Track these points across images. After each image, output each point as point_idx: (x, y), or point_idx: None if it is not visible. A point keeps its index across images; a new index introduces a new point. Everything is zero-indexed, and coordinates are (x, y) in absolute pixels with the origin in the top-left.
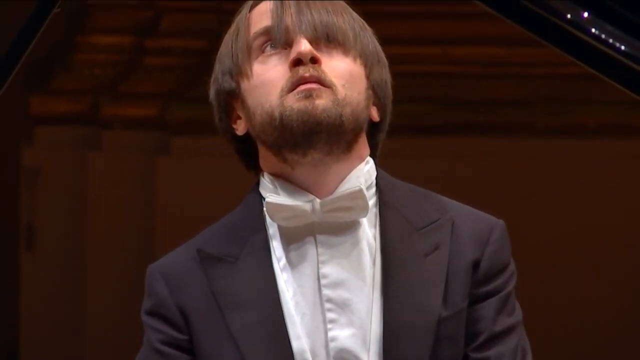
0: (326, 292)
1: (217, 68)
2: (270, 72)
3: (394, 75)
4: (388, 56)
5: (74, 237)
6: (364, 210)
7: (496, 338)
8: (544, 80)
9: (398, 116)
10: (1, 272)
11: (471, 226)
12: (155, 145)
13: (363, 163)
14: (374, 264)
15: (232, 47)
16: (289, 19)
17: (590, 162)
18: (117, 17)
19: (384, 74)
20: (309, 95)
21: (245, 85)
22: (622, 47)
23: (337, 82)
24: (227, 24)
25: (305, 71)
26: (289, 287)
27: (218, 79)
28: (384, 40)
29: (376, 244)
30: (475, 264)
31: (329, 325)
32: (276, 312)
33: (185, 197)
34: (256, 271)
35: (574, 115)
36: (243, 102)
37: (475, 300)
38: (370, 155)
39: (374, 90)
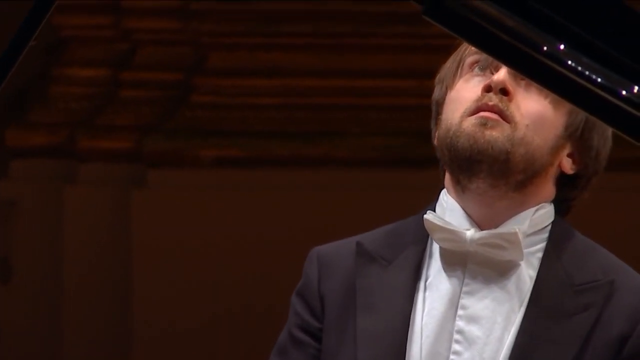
0: (459, 323)
1: (437, 77)
2: (466, 91)
3: (369, 107)
4: (364, 89)
5: (50, 270)
6: (518, 254)
7: None
8: None
9: (374, 149)
10: None
11: (632, 295)
12: (131, 178)
13: (535, 208)
14: (519, 308)
15: (452, 61)
16: None
17: None
18: (92, 49)
19: (596, 139)
20: (484, 124)
21: (447, 97)
22: (599, 79)
23: (521, 120)
24: (203, 57)
25: (490, 99)
26: (426, 306)
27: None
28: (359, 73)
29: (528, 290)
30: (623, 340)
31: (452, 357)
32: (402, 326)
33: (162, 230)
34: (401, 281)
35: None
36: (441, 113)
37: None
38: (558, 207)
39: (574, 143)
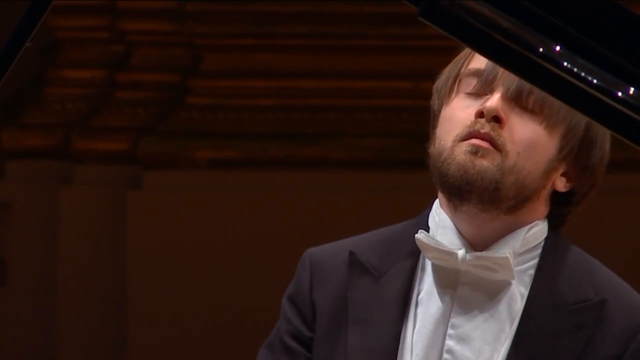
0: (449, 342)
1: (435, 85)
2: (461, 112)
3: (364, 109)
4: (359, 90)
5: (46, 271)
6: (509, 275)
7: None
8: None
9: (369, 150)
10: None
11: (623, 315)
12: (126, 179)
13: (527, 227)
14: (509, 328)
15: (450, 71)
16: (502, 70)
17: None
18: (88, 51)
19: (594, 156)
20: (475, 152)
21: (442, 111)
22: (595, 81)
23: (512, 148)
24: (198, 58)
25: (482, 127)
26: (416, 322)
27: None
28: (354, 75)
29: (519, 310)
30: None
31: None
32: (392, 343)
33: (157, 231)
34: (392, 295)
35: None
36: (435, 127)
37: None
38: (552, 224)
39: (569, 162)
